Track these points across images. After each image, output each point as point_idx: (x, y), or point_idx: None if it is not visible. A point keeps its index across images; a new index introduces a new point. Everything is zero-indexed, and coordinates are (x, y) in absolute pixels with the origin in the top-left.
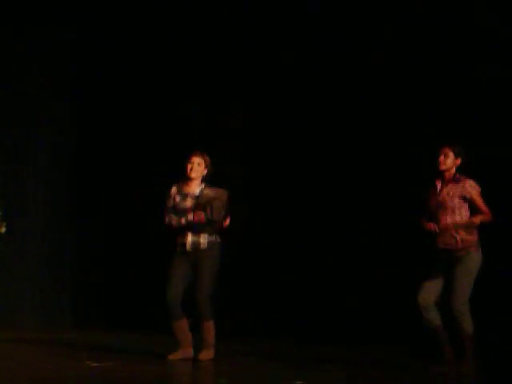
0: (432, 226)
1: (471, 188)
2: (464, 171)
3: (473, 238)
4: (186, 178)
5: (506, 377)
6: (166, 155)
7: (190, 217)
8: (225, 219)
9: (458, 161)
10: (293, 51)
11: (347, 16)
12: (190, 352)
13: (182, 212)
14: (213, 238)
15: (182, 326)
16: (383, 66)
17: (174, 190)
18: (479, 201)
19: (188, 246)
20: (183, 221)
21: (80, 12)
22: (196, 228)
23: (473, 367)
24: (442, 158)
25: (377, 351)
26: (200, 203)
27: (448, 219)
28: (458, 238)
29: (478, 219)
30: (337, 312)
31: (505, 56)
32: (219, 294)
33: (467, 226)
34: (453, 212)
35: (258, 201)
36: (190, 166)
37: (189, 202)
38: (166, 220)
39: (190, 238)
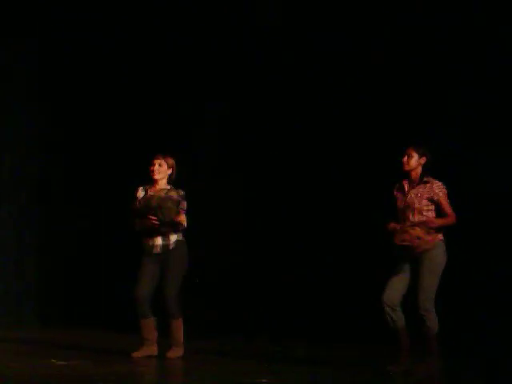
0: (392, 225)
1: (439, 190)
2: (432, 172)
3: (432, 238)
4: (152, 181)
5: (466, 376)
6: (135, 157)
7: (147, 221)
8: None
9: (423, 160)
10: (293, 51)
11: (347, 16)
12: (155, 350)
13: (147, 214)
14: (179, 236)
15: (149, 324)
16: (383, 66)
17: (139, 192)
18: (445, 203)
19: (157, 248)
20: (144, 225)
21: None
22: (157, 230)
23: (435, 366)
24: (405, 158)
25: (353, 350)
26: (151, 207)
27: (416, 220)
28: (414, 235)
29: (437, 221)
30: (336, 312)
31: (505, 56)
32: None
33: (424, 225)
34: (420, 213)
35: (257, 201)
36: (151, 168)
37: (153, 204)
38: (133, 222)
39: (158, 239)
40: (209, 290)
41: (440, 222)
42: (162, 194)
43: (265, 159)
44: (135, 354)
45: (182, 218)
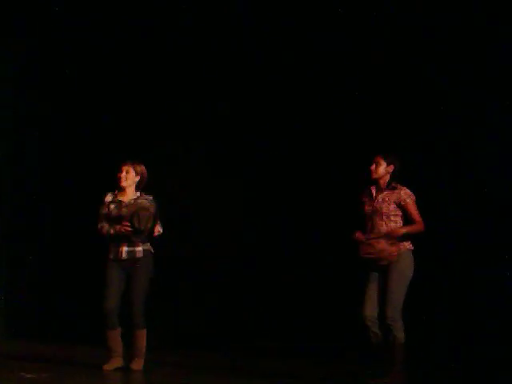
0: (358, 235)
1: (406, 196)
2: (400, 179)
3: (395, 249)
4: (120, 188)
5: None
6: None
7: (118, 227)
8: (152, 228)
9: (391, 168)
10: (292, 51)
11: (347, 16)
12: (121, 361)
13: (116, 220)
14: (147, 246)
15: (117, 335)
16: (383, 66)
17: (108, 197)
18: (413, 210)
19: (124, 255)
20: (112, 231)
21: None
22: (125, 238)
23: (401, 377)
24: (373, 166)
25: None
26: (126, 214)
27: (384, 226)
28: (378, 248)
29: (402, 230)
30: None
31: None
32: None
33: (389, 236)
34: (388, 218)
35: (257, 200)
36: (119, 175)
37: (123, 211)
38: (98, 227)
39: (125, 246)
40: (208, 291)
41: (405, 230)
42: (141, 202)
43: (265, 159)
44: (106, 367)
45: (157, 228)
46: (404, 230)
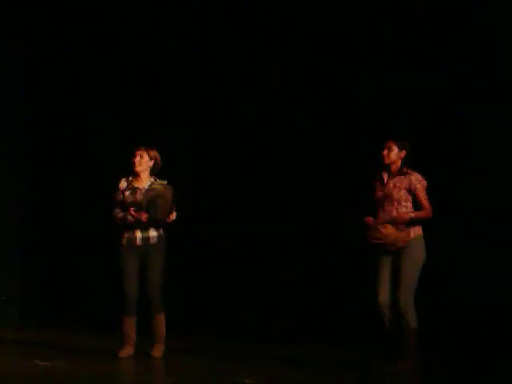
0: (368, 219)
1: (417, 181)
2: (412, 165)
3: (404, 234)
4: (134, 173)
5: (443, 374)
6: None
7: (133, 214)
8: (168, 216)
9: (403, 153)
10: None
11: (347, 16)
12: (133, 350)
13: (131, 207)
14: (160, 232)
15: (133, 322)
16: (383, 66)
17: (122, 183)
18: (422, 195)
19: (138, 241)
20: (128, 217)
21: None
22: (140, 224)
23: (413, 363)
24: (385, 151)
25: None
26: (141, 201)
27: (394, 212)
28: (386, 233)
29: (408, 215)
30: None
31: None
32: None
33: (395, 222)
34: (399, 204)
35: (257, 200)
36: (133, 160)
37: (138, 196)
38: (113, 214)
39: (139, 233)
40: (208, 290)
41: (412, 215)
42: (157, 188)
43: (265, 158)
44: (122, 354)
45: (173, 215)
46: (411, 216)
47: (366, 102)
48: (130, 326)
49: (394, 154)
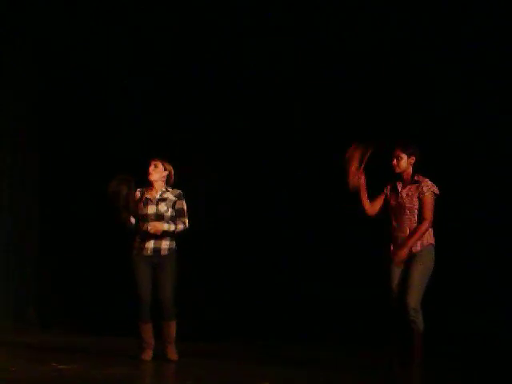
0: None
1: (426, 188)
2: (423, 170)
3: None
4: (149, 184)
5: (448, 377)
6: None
7: (146, 226)
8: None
9: (412, 160)
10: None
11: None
12: (152, 353)
13: (143, 218)
14: (173, 243)
15: (150, 328)
16: (383, 66)
17: (137, 194)
18: (427, 204)
19: (147, 251)
20: (142, 228)
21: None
22: (152, 235)
23: (419, 366)
24: (394, 161)
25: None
26: (153, 212)
27: (407, 222)
28: (402, 257)
29: (408, 245)
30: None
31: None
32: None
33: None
34: (411, 212)
35: (256, 200)
36: (148, 169)
37: (150, 209)
38: (125, 217)
39: (150, 242)
40: (207, 291)
41: (410, 242)
42: (162, 197)
43: (264, 157)
44: (145, 357)
45: (185, 221)
46: (410, 243)
47: (368, 105)
48: (148, 331)
49: (404, 162)
